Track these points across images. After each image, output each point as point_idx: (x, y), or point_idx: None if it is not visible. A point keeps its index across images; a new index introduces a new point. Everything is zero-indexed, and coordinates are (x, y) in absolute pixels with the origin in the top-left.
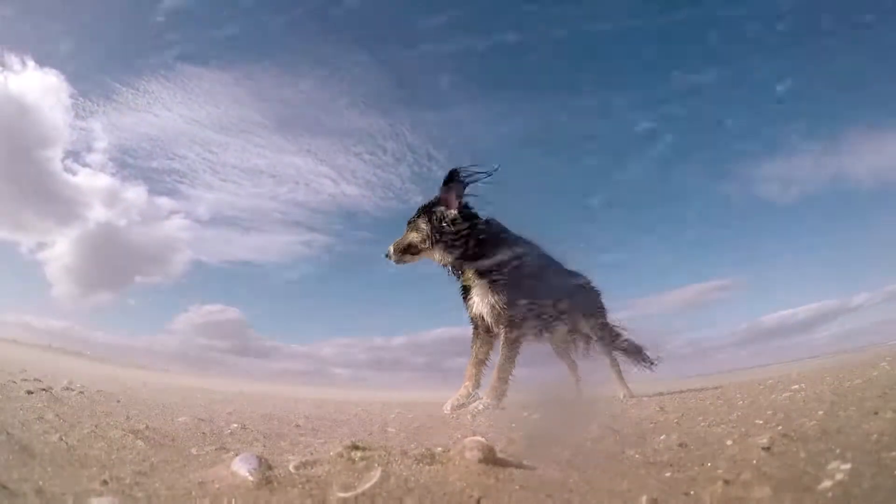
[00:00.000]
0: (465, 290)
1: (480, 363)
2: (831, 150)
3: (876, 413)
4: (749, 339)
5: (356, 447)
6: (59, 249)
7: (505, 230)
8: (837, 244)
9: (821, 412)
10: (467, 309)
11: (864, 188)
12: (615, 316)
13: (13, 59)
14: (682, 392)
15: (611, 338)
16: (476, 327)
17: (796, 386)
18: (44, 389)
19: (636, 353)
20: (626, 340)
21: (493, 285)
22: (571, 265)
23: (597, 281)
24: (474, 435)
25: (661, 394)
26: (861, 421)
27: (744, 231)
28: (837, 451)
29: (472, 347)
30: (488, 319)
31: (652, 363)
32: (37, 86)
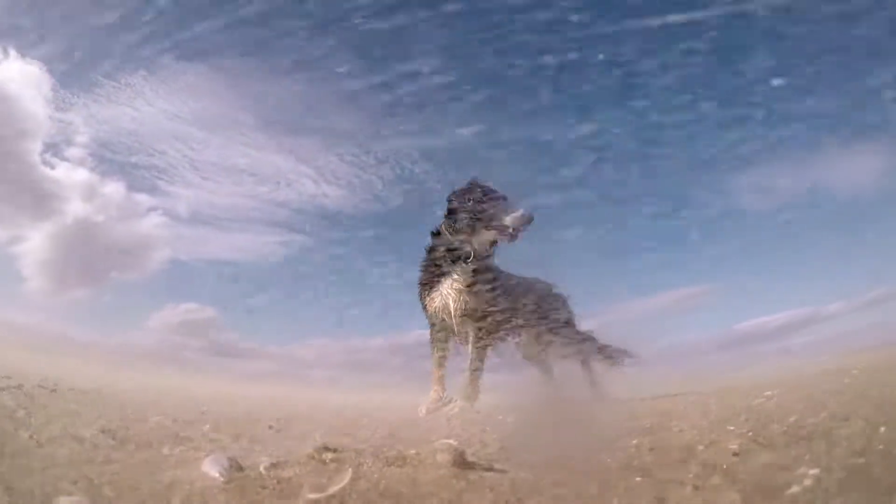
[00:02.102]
0: (428, 282)
1: (443, 363)
2: (809, 162)
3: (846, 419)
4: (725, 344)
5: (328, 449)
6: (35, 243)
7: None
8: (813, 254)
9: (792, 418)
10: (426, 303)
11: (840, 200)
12: (594, 321)
13: None
14: (656, 397)
15: (581, 340)
16: (433, 325)
17: (769, 392)
18: (15, 386)
19: (608, 351)
20: (595, 342)
21: (468, 285)
22: (534, 271)
23: (571, 284)
24: (448, 438)
25: (635, 399)
26: (831, 427)
27: (721, 239)
28: (807, 456)
29: (432, 348)
30: (454, 318)
31: (625, 356)
32: (18, 76)
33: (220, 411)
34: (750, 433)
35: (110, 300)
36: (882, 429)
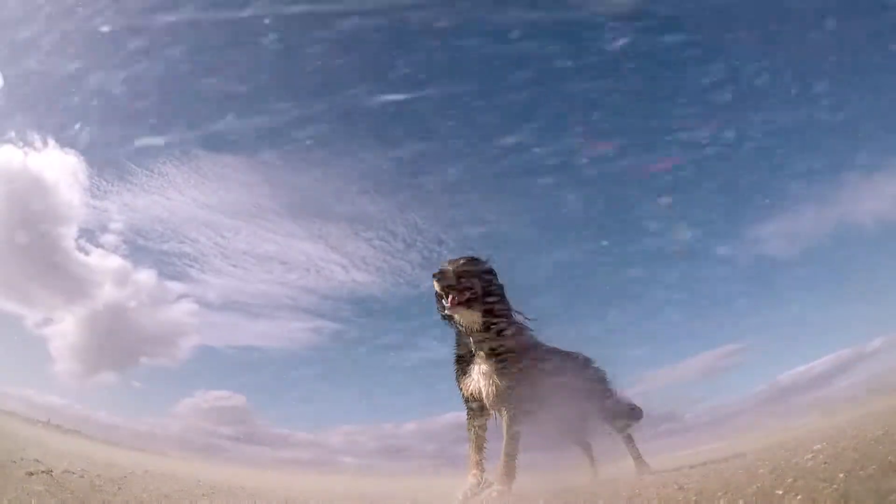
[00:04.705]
0: (462, 363)
1: (481, 447)
2: (831, 199)
3: None
4: (768, 399)
5: None
6: (66, 326)
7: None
8: (846, 292)
9: (841, 474)
10: (461, 384)
11: (866, 233)
12: (630, 391)
13: (35, 137)
14: (702, 464)
15: (618, 414)
16: (470, 407)
17: (818, 446)
18: (44, 472)
19: (631, 412)
20: (627, 406)
21: (500, 363)
22: (578, 345)
23: (606, 357)
24: None
25: (680, 468)
26: (881, 480)
27: (752, 292)
28: None
29: (469, 431)
30: (488, 399)
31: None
32: (56, 164)
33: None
34: (799, 497)
35: (139, 386)
36: None
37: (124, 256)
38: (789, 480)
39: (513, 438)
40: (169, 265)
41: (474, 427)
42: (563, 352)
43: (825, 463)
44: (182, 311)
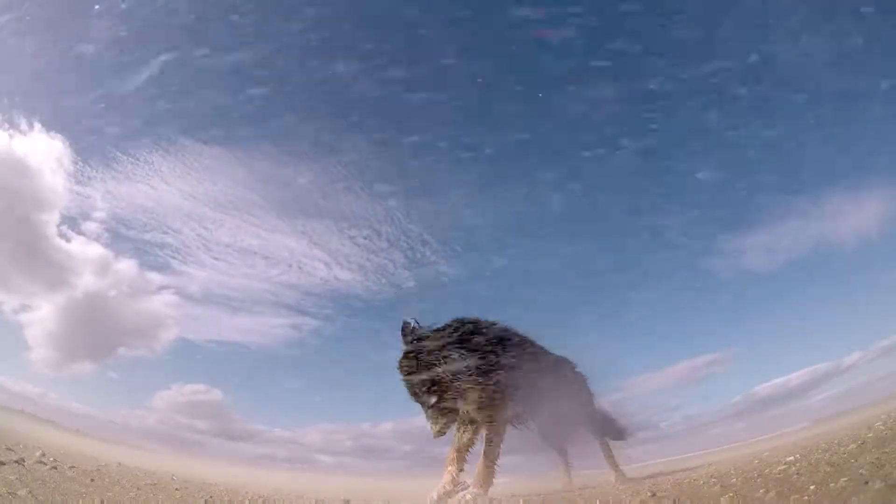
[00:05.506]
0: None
1: (463, 448)
2: (813, 215)
3: (866, 483)
4: (744, 410)
5: None
6: (43, 313)
7: (484, 323)
8: (826, 306)
9: (812, 486)
10: None
11: (847, 249)
12: (609, 398)
13: (21, 120)
14: (676, 472)
15: (598, 422)
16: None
17: (791, 458)
18: (17, 461)
19: (620, 430)
20: (611, 421)
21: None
22: (557, 350)
23: (586, 363)
24: None
25: (655, 475)
26: (852, 493)
27: (732, 303)
28: None
29: (455, 432)
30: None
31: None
32: (41, 148)
33: (224, 500)
34: None
35: (116, 376)
36: None
37: (106, 245)
38: (761, 491)
39: (492, 445)
40: (150, 255)
41: (460, 429)
42: (546, 358)
43: (797, 474)
44: (162, 303)
